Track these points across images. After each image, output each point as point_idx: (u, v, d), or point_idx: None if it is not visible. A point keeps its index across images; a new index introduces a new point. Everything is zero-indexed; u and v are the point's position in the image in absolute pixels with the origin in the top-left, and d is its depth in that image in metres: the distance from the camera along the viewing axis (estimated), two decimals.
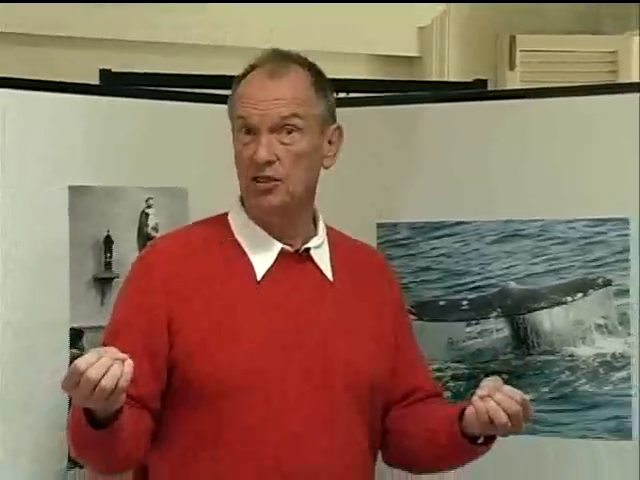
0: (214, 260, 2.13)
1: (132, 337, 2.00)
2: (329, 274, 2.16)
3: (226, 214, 2.20)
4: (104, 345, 2.04)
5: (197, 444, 2.06)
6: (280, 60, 2.13)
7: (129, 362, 1.83)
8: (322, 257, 2.17)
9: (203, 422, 2.06)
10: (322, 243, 2.18)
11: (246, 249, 2.13)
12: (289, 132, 2.07)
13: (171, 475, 2.09)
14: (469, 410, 2.04)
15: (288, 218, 2.13)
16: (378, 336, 2.20)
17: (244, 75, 2.14)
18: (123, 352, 1.86)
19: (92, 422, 1.92)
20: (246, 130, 2.09)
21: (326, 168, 2.16)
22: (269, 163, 2.06)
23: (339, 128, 2.17)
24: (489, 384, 2.02)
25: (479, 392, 2.01)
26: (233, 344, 2.07)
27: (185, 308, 2.09)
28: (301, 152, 2.08)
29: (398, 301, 2.31)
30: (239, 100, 2.11)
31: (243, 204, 2.17)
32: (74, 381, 1.83)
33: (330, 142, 2.15)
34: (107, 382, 1.81)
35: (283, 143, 2.07)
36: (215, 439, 2.06)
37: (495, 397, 2.00)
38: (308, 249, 2.15)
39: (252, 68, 2.14)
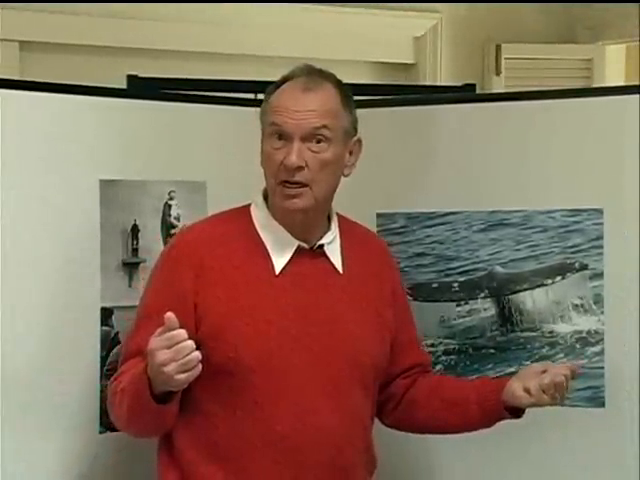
0: (237, 252, 2.21)
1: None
2: (339, 267, 2.27)
3: (248, 207, 2.27)
4: (137, 326, 2.20)
5: (217, 410, 2.18)
6: (312, 75, 2.20)
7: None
8: (334, 251, 2.27)
9: (222, 392, 2.17)
10: (334, 238, 2.27)
11: (267, 245, 2.22)
12: (318, 141, 2.15)
13: (194, 436, 2.19)
14: (512, 388, 2.23)
15: (309, 219, 2.21)
16: (380, 318, 2.30)
17: (277, 86, 2.21)
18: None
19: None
20: (278, 136, 2.16)
21: (345, 176, 2.24)
22: (299, 168, 2.14)
23: (359, 141, 2.26)
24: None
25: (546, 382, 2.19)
26: (251, 329, 2.16)
27: (209, 295, 2.18)
28: (327, 160, 2.16)
29: (397, 282, 2.41)
30: (274, 108, 2.17)
31: (266, 200, 2.24)
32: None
33: (351, 153, 2.24)
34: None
35: (312, 151, 2.15)
36: (232, 406, 2.17)
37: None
38: (322, 245, 2.25)
39: (285, 80, 2.21)
